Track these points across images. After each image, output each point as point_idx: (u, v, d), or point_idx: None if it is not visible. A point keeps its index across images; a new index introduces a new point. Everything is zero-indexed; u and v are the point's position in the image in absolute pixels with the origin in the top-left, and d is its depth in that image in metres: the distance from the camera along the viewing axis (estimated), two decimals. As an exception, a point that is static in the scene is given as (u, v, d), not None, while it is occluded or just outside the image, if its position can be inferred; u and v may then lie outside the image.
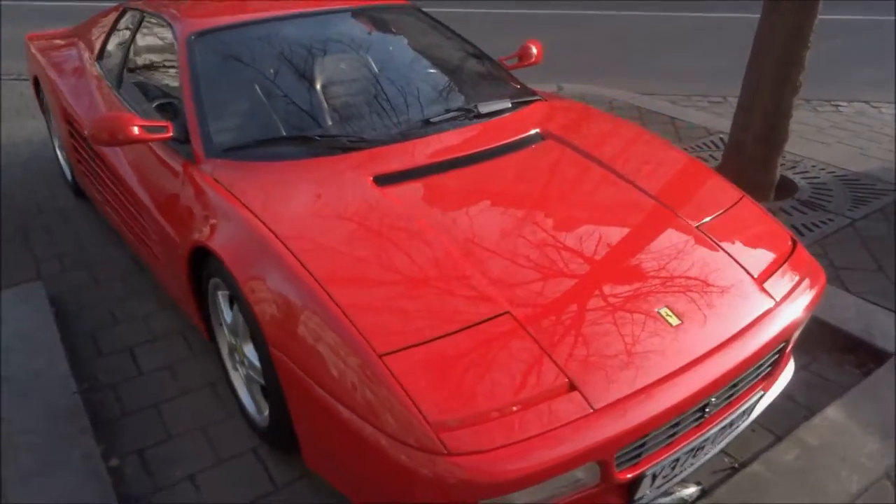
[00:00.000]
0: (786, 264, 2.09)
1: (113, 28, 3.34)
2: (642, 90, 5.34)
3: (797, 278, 2.06)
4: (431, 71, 2.92)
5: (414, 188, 2.17)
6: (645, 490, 1.75)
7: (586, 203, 2.21)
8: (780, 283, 2.01)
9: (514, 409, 1.53)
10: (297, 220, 1.99)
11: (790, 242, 2.20)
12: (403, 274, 1.81)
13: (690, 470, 1.87)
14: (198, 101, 2.44)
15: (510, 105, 2.72)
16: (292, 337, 1.73)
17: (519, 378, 1.59)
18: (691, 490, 2.01)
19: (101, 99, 3.10)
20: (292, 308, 1.75)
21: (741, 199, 2.34)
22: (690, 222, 2.14)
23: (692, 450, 1.81)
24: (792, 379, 2.17)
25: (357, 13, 3.08)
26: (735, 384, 1.84)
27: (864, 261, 2.99)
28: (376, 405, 1.53)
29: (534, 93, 2.90)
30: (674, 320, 1.79)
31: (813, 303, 2.03)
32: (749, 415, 1.99)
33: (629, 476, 1.66)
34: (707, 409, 1.77)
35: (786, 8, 3.18)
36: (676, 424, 1.71)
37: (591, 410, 1.56)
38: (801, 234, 3.22)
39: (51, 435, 2.08)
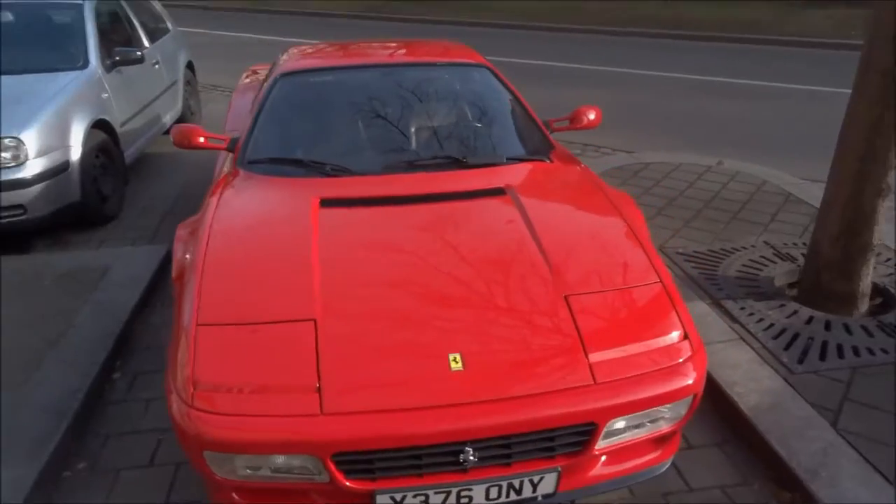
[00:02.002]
0: (647, 356, 1.98)
1: (272, 66, 4.26)
2: (814, 175, 4.80)
3: (649, 371, 1.95)
4: (458, 122, 3.21)
5: (344, 212, 2.53)
6: (388, 508, 1.87)
7: (479, 254, 2.32)
8: (617, 369, 1.94)
9: (262, 392, 1.83)
10: (234, 215, 2.52)
11: (681, 340, 2.05)
12: (262, 269, 2.21)
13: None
14: (254, 122, 3.12)
15: (503, 160, 2.89)
16: (178, 287, 2.25)
17: (283, 370, 1.88)
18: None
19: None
20: (186, 268, 2.27)
21: (652, 283, 2.22)
22: (561, 290, 2.14)
23: (455, 495, 1.87)
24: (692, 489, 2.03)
25: (425, 67, 3.51)
26: (507, 447, 1.85)
27: (886, 400, 2.49)
28: (178, 359, 1.96)
29: (549, 155, 3.01)
30: (456, 366, 1.89)
31: (652, 403, 1.91)
32: (535, 489, 1.94)
33: (358, 487, 1.82)
34: (462, 458, 1.82)
35: (866, 91, 2.80)
36: (419, 458, 1.82)
37: (319, 412, 1.78)
38: (857, 354, 2.77)
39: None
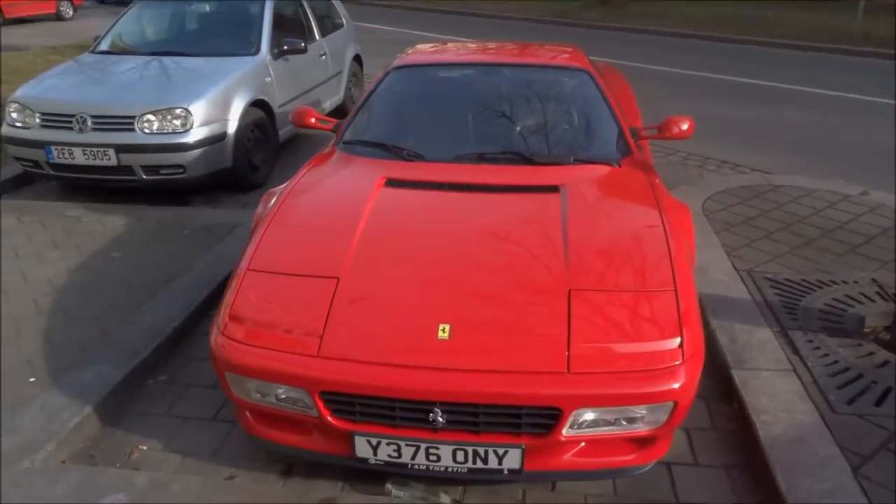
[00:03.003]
0: (633, 357, 2.04)
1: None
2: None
3: (628, 371, 2.01)
4: (539, 121, 3.34)
5: (402, 192, 2.82)
6: (367, 453, 2.12)
7: (508, 241, 2.48)
8: (596, 363, 2.02)
9: (278, 330, 2.18)
10: (311, 184, 2.93)
11: (673, 348, 2.07)
12: (314, 231, 2.57)
13: (429, 468, 2.10)
14: (357, 109, 3.51)
15: (570, 160, 3.00)
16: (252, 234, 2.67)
17: (299, 315, 2.21)
18: (445, 500, 2.21)
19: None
20: (262, 219, 2.70)
21: (664, 290, 2.24)
22: (568, 284, 2.24)
23: (424, 450, 2.08)
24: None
25: (524, 68, 3.67)
26: (475, 415, 2.01)
27: None
28: (226, 295, 2.36)
29: (619, 160, 3.06)
30: (443, 335, 2.09)
31: (623, 401, 1.98)
32: (500, 461, 2.07)
33: (340, 426, 2.09)
34: (431, 418, 2.02)
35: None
36: (393, 410, 2.05)
37: (316, 355, 2.08)
38: None
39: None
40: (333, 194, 2.88)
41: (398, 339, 2.11)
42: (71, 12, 18.58)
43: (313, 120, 3.55)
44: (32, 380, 2.75)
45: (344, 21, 7.48)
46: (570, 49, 4.08)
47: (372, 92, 3.62)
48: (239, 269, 2.43)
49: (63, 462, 2.37)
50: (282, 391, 2.14)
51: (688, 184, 4.98)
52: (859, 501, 2.10)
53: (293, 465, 2.40)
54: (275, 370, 2.10)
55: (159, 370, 2.96)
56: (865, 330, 3.08)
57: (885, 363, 2.79)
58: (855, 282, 3.46)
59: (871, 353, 2.86)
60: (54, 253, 3.91)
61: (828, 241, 3.97)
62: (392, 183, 2.87)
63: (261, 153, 5.26)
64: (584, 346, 2.06)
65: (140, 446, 2.51)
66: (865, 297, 3.31)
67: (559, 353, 2.04)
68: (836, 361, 2.80)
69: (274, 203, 2.80)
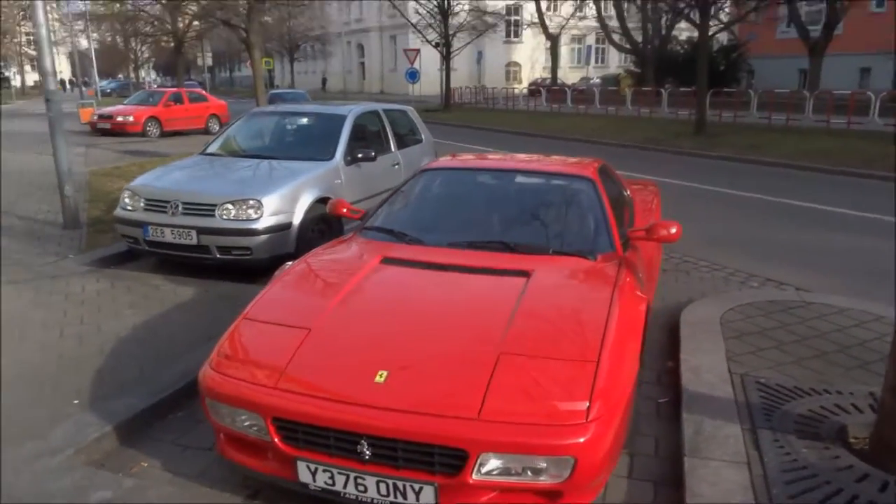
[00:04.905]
0: (541, 414, 2.28)
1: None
2: None
3: (532, 423, 2.24)
4: (531, 218, 3.72)
5: (393, 268, 3.25)
6: (307, 478, 2.43)
7: (465, 311, 2.86)
8: (505, 415, 2.27)
9: (250, 366, 2.61)
10: (321, 257, 3.45)
11: (580, 410, 2.29)
12: (305, 291, 3.06)
13: (357, 498, 2.37)
14: (383, 202, 4.05)
15: (548, 251, 3.34)
16: None
17: (270, 355, 2.64)
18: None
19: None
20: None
21: (585, 361, 2.47)
22: (500, 349, 2.53)
23: (353, 480, 2.37)
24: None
25: (532, 174, 4.12)
26: (394, 450, 2.29)
27: None
28: (222, 338, 2.84)
29: (595, 255, 3.36)
30: (380, 379, 2.44)
31: (523, 449, 2.21)
32: (417, 497, 2.30)
33: (286, 450, 2.43)
34: (359, 450, 2.32)
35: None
36: (328, 440, 2.37)
37: (274, 387, 2.48)
38: None
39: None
40: (334, 266, 3.37)
41: (342, 380, 2.48)
42: (217, 127, 21.32)
43: (345, 210, 4.12)
44: (76, 402, 3.31)
45: (423, 137, 8.31)
46: (591, 162, 4.48)
47: (398, 189, 4.17)
48: (237, 318, 2.91)
49: (72, 464, 2.84)
50: (244, 417, 2.53)
51: (717, 295, 5.06)
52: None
53: (259, 492, 2.73)
54: (240, 397, 2.50)
55: (180, 408, 3.43)
56: (851, 440, 3.05)
57: (849, 467, 2.77)
58: (850, 393, 3.42)
59: (836, 457, 2.84)
60: (129, 311, 4.62)
61: (841, 356, 3.93)
62: (387, 260, 3.31)
63: (323, 242, 5.90)
64: (497, 399, 2.32)
65: (142, 463, 2.94)
66: (856, 408, 3.27)
67: (474, 402, 2.31)
68: (794, 460, 2.81)
69: (286, 269, 3.32)
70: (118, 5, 31.48)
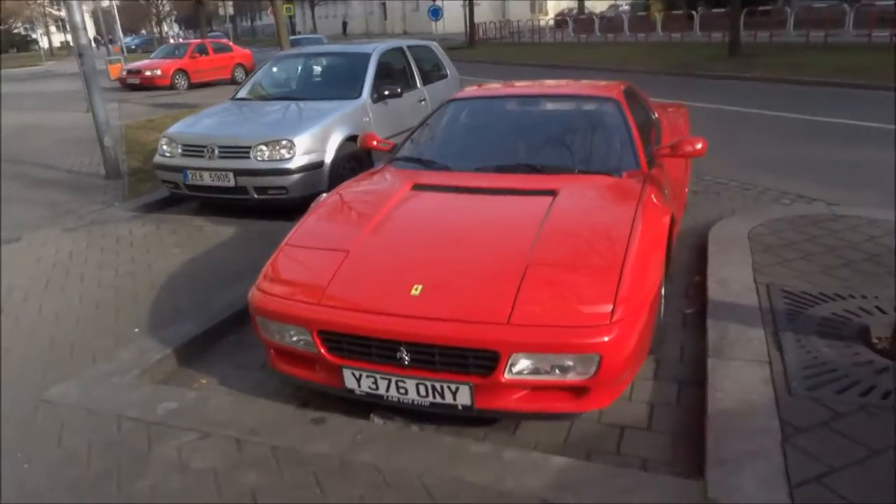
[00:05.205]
0: (568, 316, 2.43)
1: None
2: None
3: (559, 325, 2.40)
4: (556, 140, 3.79)
5: (425, 193, 3.39)
6: (352, 384, 2.64)
7: (494, 229, 3.00)
8: (534, 318, 2.43)
9: (295, 286, 2.80)
10: (356, 186, 3.62)
11: (605, 312, 2.43)
12: (343, 217, 3.24)
13: (399, 400, 2.59)
14: (412, 132, 4.16)
15: (574, 171, 3.43)
16: None
17: (313, 275, 2.83)
18: (415, 429, 2.66)
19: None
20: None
21: (609, 267, 2.60)
22: (527, 261, 2.67)
23: (394, 384, 2.57)
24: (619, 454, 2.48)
25: (558, 99, 4.16)
26: (431, 355, 2.48)
27: (871, 438, 2.33)
28: (268, 261, 3.03)
29: (621, 172, 3.44)
30: (415, 293, 2.60)
31: (551, 349, 2.37)
32: (454, 397, 2.50)
33: (332, 360, 2.64)
34: (399, 356, 2.51)
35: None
36: (369, 348, 2.56)
37: (318, 303, 2.67)
38: (885, 398, 2.61)
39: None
40: (368, 194, 3.52)
41: (380, 295, 2.65)
42: (244, 76, 21.37)
43: (375, 143, 4.24)
44: (136, 330, 3.58)
45: (448, 73, 8.30)
46: (617, 84, 4.49)
47: (425, 120, 4.27)
48: (282, 243, 3.10)
49: (140, 382, 3.11)
50: (293, 332, 2.74)
51: (746, 210, 5.10)
52: (776, 461, 2.29)
53: (309, 402, 2.97)
54: (287, 313, 2.70)
55: (232, 332, 3.68)
56: (874, 341, 3.14)
57: (869, 362, 2.88)
58: (875, 297, 3.49)
59: (857, 354, 2.95)
60: (176, 250, 4.88)
61: (869, 264, 3.98)
62: (417, 187, 3.45)
63: (355, 180, 6.06)
64: (526, 305, 2.48)
65: (201, 380, 3.21)
66: (880, 310, 3.35)
67: (504, 308, 2.47)
68: (815, 358, 2.93)
69: (321, 200, 3.48)
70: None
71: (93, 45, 10.40)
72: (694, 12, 24.81)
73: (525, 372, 2.45)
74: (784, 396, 2.66)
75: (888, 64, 13.26)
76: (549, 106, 4.13)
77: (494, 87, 4.64)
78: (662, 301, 3.24)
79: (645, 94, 5.03)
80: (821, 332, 3.15)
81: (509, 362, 2.41)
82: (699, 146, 3.62)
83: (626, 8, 36.97)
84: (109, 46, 36.41)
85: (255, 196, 5.54)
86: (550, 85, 4.57)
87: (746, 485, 2.20)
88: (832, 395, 2.66)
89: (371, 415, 2.78)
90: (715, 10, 23.35)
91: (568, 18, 33.19)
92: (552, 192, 3.21)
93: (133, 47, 48.30)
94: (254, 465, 2.44)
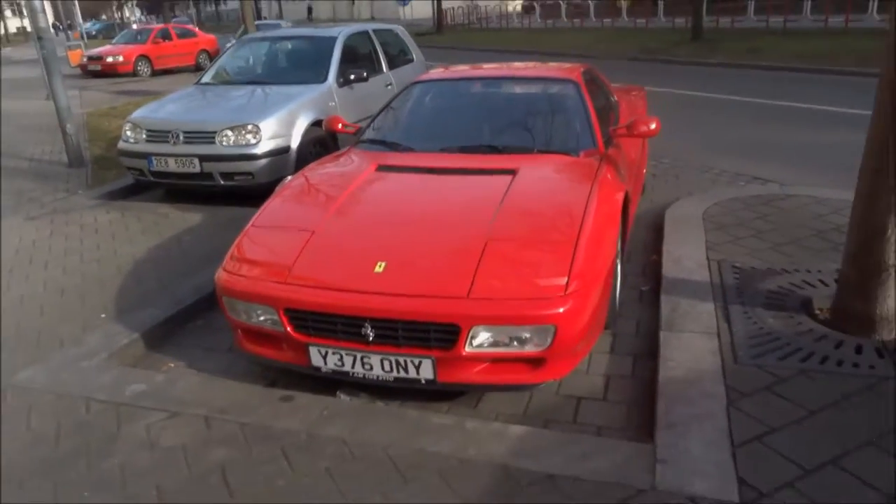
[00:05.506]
0: (525, 289, 2.53)
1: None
2: None
3: (516, 298, 2.50)
4: (517, 121, 3.89)
5: (388, 174, 3.47)
6: (318, 361, 2.72)
7: (455, 206, 3.09)
8: (492, 292, 2.52)
9: (261, 265, 2.86)
10: (321, 168, 3.67)
11: (559, 284, 2.54)
12: (309, 199, 3.29)
13: (364, 376, 2.67)
14: (376, 114, 4.22)
15: (533, 151, 3.54)
16: None
17: (279, 255, 2.88)
18: (380, 405, 2.75)
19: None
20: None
21: (564, 241, 2.71)
22: (487, 236, 2.76)
23: (359, 360, 2.65)
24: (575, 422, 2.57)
25: (518, 81, 4.26)
26: (394, 330, 2.56)
27: (810, 399, 2.48)
28: (233, 244, 3.08)
29: (578, 151, 3.56)
30: (379, 270, 2.68)
31: (508, 321, 2.47)
32: (417, 371, 2.59)
33: (298, 338, 2.71)
34: (363, 332, 2.59)
35: (879, 109, 2.80)
36: (334, 325, 2.64)
37: (283, 282, 2.73)
38: (822, 363, 2.77)
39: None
40: (333, 176, 3.58)
41: (345, 272, 2.73)
42: (208, 62, 21.05)
43: (340, 126, 4.29)
44: (103, 315, 3.60)
45: (414, 57, 8.33)
46: (576, 66, 4.59)
47: (390, 102, 4.33)
48: (245, 227, 3.15)
49: (108, 365, 3.14)
50: (259, 311, 2.80)
51: (702, 192, 5.27)
52: (720, 423, 2.44)
53: (276, 381, 3.03)
54: (254, 292, 2.76)
55: (200, 317, 3.72)
56: (816, 312, 3.31)
57: (810, 331, 3.05)
58: (819, 270, 3.67)
59: (799, 324, 3.11)
60: (142, 237, 4.87)
61: (817, 240, 4.16)
62: (382, 168, 3.52)
63: (322, 166, 6.10)
64: (485, 279, 2.58)
65: (169, 364, 3.25)
66: (822, 283, 3.53)
67: (464, 283, 2.57)
68: (760, 328, 3.09)
69: (286, 183, 3.53)
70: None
71: (51, 30, 10.15)
72: (658, -2, 25.10)
73: (485, 344, 2.55)
74: (730, 364, 2.81)
75: (843, 48, 13.62)
76: (511, 88, 4.23)
77: (458, 70, 4.71)
78: (619, 277, 3.37)
79: (605, 77, 5.14)
80: (767, 305, 3.31)
81: (469, 335, 2.51)
82: (653, 126, 3.75)
83: (593, -7, 37.18)
84: (69, 32, 35.46)
85: (222, 182, 5.54)
86: (513, 67, 4.66)
87: (692, 446, 2.34)
88: (775, 361, 2.82)
89: (337, 392, 2.86)
90: (679, -4, 23.63)
91: (535, 4, 33.27)
92: (512, 172, 3.31)
93: (93, 33, 47.00)
94: (223, 441, 2.51)
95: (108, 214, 5.51)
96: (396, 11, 36.62)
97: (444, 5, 31.86)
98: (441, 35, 28.81)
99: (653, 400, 2.70)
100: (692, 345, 2.98)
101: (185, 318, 3.66)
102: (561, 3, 31.25)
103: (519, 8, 35.22)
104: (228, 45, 7.84)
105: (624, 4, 27.37)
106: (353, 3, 53.13)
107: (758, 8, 20.72)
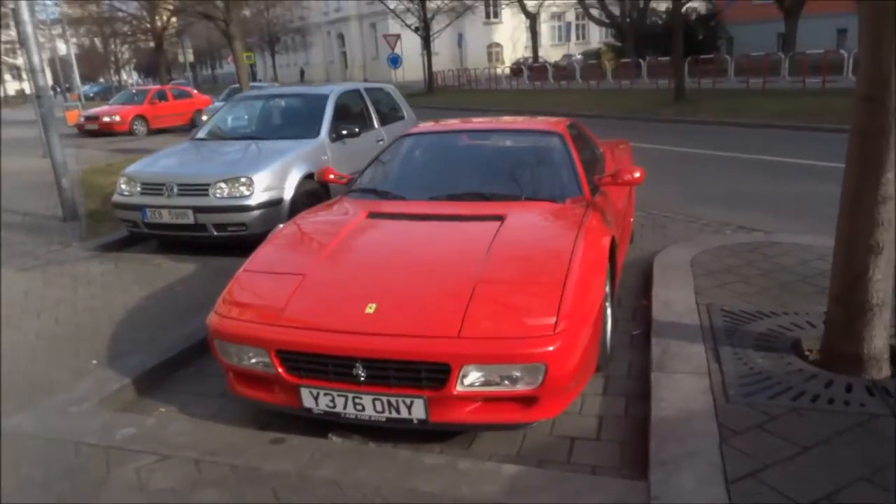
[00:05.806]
0: (514, 329, 2.57)
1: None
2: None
3: (505, 337, 2.53)
4: (504, 170, 4.01)
5: (379, 220, 3.54)
6: (310, 403, 2.71)
7: (445, 250, 3.15)
8: (483, 331, 2.56)
9: (253, 309, 2.89)
10: (314, 215, 3.72)
11: (548, 324, 2.57)
12: (301, 243, 3.35)
13: (356, 417, 2.66)
14: (367, 166, 4.32)
15: (521, 198, 3.63)
16: None
17: (270, 298, 2.91)
18: (372, 446, 2.74)
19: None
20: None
21: (551, 283, 2.76)
22: (476, 278, 2.81)
23: (351, 400, 2.65)
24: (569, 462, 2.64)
25: (504, 133, 4.40)
26: (385, 370, 2.58)
27: (805, 437, 2.49)
28: (225, 288, 3.11)
29: (564, 199, 3.65)
30: (370, 311, 2.71)
31: (498, 359, 2.50)
32: (409, 411, 2.59)
33: (290, 380, 2.71)
34: (355, 373, 2.60)
35: (851, 152, 2.92)
36: (327, 366, 2.65)
37: (275, 324, 2.75)
38: (813, 401, 2.79)
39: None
40: (325, 223, 3.65)
41: (336, 314, 2.76)
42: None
43: (332, 176, 4.38)
44: (94, 362, 3.59)
45: (405, 114, 8.55)
46: (562, 119, 4.74)
47: (380, 153, 4.44)
48: (240, 268, 3.19)
49: (98, 410, 3.12)
50: (251, 353, 2.81)
51: (690, 240, 5.36)
52: (713, 460, 2.44)
53: (268, 425, 3.01)
54: (245, 334, 2.78)
55: (190, 364, 3.71)
56: (805, 353, 3.34)
57: (800, 371, 3.07)
58: (806, 313, 3.73)
59: (789, 364, 3.14)
60: (135, 287, 4.89)
61: (802, 284, 4.23)
62: (372, 215, 3.59)
63: (315, 217, 6.18)
64: (475, 320, 2.61)
65: (160, 409, 3.23)
66: (810, 324, 3.58)
67: (455, 323, 2.60)
68: (751, 368, 3.11)
69: (278, 230, 3.60)
70: (94, 7, 31.43)
71: (50, 91, 10.41)
72: (641, 60, 25.96)
73: (476, 384, 2.56)
74: (722, 403, 2.82)
75: (821, 107, 14.07)
76: (499, 140, 4.36)
77: (447, 123, 4.86)
78: (609, 321, 3.41)
79: (590, 130, 5.30)
80: (756, 346, 3.35)
81: (460, 374, 2.53)
82: (637, 175, 3.86)
83: (579, 57, 38.38)
84: (67, 94, 36.13)
85: (215, 233, 5.60)
86: (501, 121, 4.82)
87: (686, 482, 2.33)
88: (766, 400, 2.84)
89: (329, 434, 2.84)
90: (661, 59, 24.47)
91: (523, 67, 34.30)
92: (500, 218, 3.38)
93: (91, 95, 47.86)
94: (213, 483, 2.48)
95: (101, 266, 5.54)
96: (389, 73, 37.59)
97: (435, 68, 32.81)
98: (432, 96, 29.54)
99: (646, 439, 2.70)
100: (684, 385, 3.00)
101: (177, 365, 3.65)
102: (548, 66, 32.27)
103: (508, 70, 36.29)
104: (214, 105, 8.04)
105: (608, 67, 28.27)
106: (347, 67, 54.60)
107: (738, 70, 21.45)
